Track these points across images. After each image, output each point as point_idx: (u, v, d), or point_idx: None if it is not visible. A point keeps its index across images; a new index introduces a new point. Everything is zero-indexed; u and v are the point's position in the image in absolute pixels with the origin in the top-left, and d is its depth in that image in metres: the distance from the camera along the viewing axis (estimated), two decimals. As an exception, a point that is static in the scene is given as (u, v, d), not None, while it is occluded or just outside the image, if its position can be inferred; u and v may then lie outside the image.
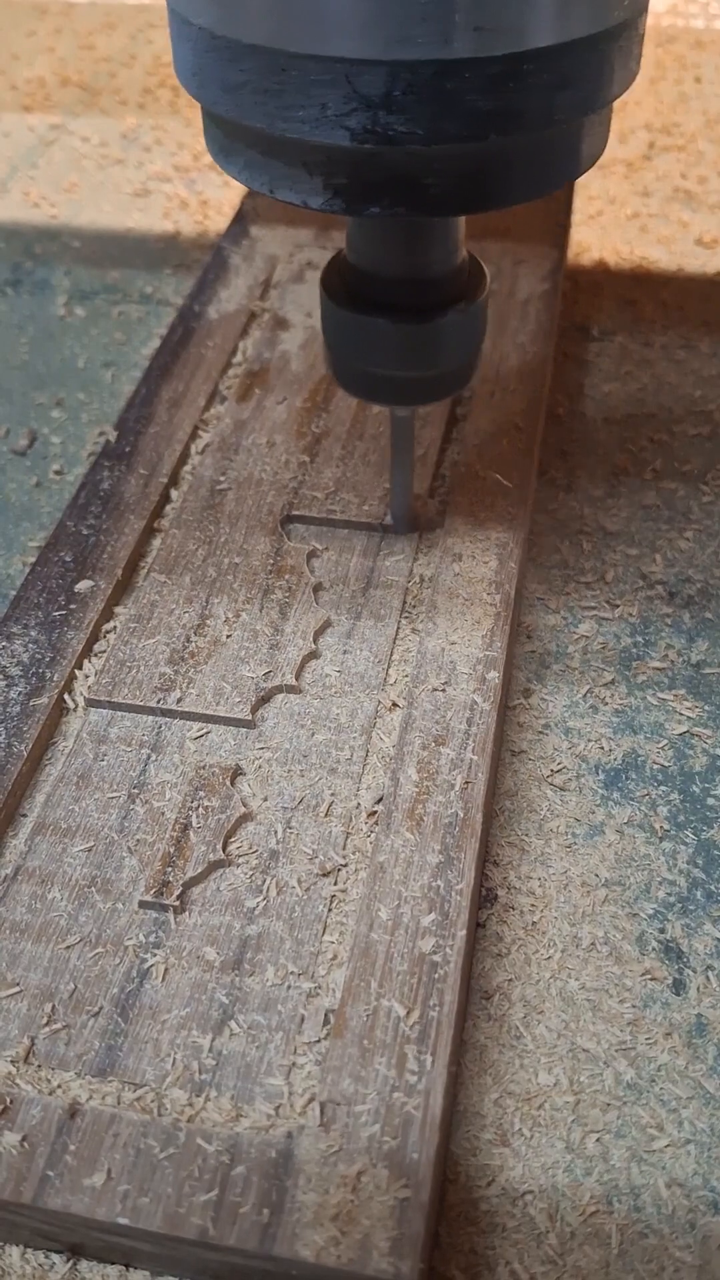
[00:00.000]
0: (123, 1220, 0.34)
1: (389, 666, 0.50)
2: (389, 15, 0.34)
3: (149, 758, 0.46)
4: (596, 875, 0.47)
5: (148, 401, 0.62)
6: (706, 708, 0.52)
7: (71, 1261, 0.37)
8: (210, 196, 0.87)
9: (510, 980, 0.44)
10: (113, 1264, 0.37)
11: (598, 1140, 0.40)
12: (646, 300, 0.76)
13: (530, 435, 0.60)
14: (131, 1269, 0.37)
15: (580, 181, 0.86)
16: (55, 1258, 0.37)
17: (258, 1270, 0.35)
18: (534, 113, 0.37)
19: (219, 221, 0.83)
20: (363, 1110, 0.36)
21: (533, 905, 0.46)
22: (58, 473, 0.66)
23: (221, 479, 0.58)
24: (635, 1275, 0.37)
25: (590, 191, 0.86)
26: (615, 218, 0.83)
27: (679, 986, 0.44)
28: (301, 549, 0.54)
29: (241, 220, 0.76)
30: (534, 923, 0.46)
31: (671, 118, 0.95)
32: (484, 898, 0.46)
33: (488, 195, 0.40)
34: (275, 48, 0.36)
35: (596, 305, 0.75)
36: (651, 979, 0.44)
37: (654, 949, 0.45)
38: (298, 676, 0.49)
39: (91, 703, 0.48)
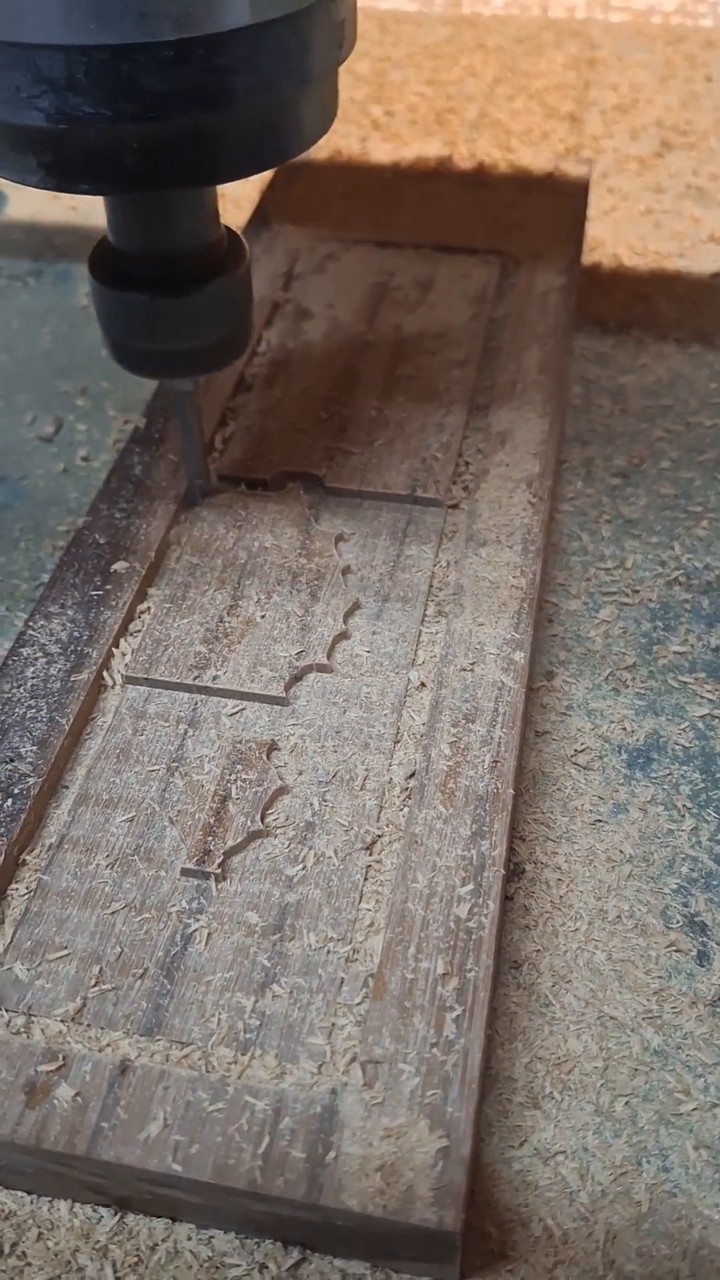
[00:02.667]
0: (175, 1168, 0.35)
1: (418, 647, 0.51)
2: (61, 3, 0.37)
3: (186, 733, 0.48)
4: (621, 851, 0.48)
5: (176, 388, 0.63)
6: (726, 690, 0.54)
7: (119, 1215, 0.38)
8: (229, 190, 0.88)
9: (539, 951, 0.45)
10: (159, 1218, 0.38)
11: (626, 1104, 0.41)
12: (660, 295, 0.77)
13: (551, 424, 0.61)
14: (177, 1222, 0.38)
15: (593, 178, 0.87)
16: (103, 1211, 0.38)
17: (302, 1221, 0.36)
18: (217, 94, 0.40)
19: (239, 215, 0.84)
20: (403, 1068, 0.37)
21: (559, 879, 0.47)
22: (84, 459, 0.67)
23: (250, 463, 0.59)
24: (665, 1231, 0.38)
25: (603, 187, 0.87)
26: (628, 213, 0.85)
27: (703, 958, 0.45)
28: (330, 533, 0.55)
29: (262, 213, 0.77)
30: (561, 896, 0.47)
31: (683, 115, 0.96)
32: (512, 872, 0.47)
33: (190, 171, 0.43)
34: None
35: (612, 299, 0.76)
36: (676, 951, 0.45)
37: (678, 922, 0.46)
38: (329, 656, 0.50)
39: (129, 680, 0.49)
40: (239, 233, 0.51)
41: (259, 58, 0.40)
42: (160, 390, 0.64)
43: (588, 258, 0.79)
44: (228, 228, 0.50)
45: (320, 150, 0.82)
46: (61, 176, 0.42)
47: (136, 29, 0.38)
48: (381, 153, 0.82)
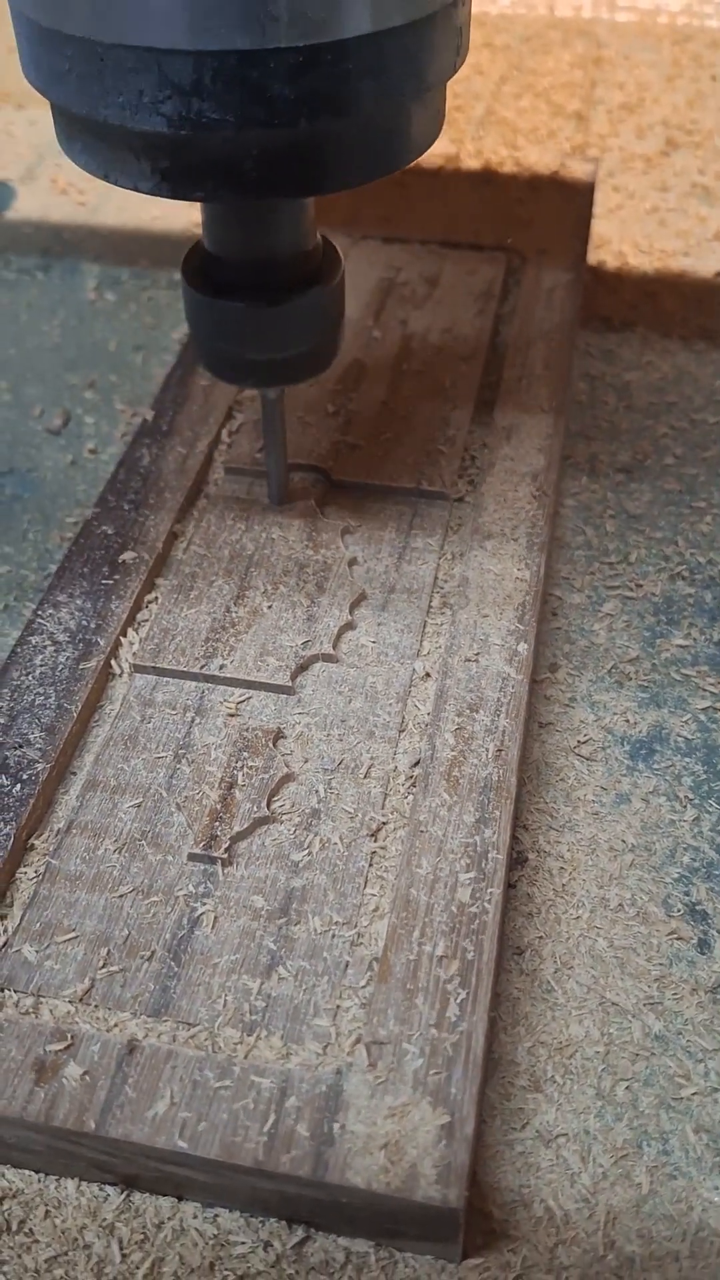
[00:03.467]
0: (182, 1145, 0.36)
1: (423, 638, 0.52)
2: (190, 6, 0.37)
3: (193, 721, 0.48)
4: (623, 841, 0.49)
5: (184, 381, 0.64)
6: (728, 683, 0.54)
7: (125, 1193, 0.39)
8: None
9: (541, 938, 0.46)
10: (165, 1196, 0.39)
11: (627, 1088, 0.42)
12: (666, 292, 0.77)
13: (556, 420, 0.62)
14: (183, 1201, 0.39)
15: (599, 176, 0.87)
16: (110, 1189, 0.39)
17: (307, 1199, 0.36)
18: (342, 101, 0.40)
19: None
20: (408, 1049, 0.38)
21: (562, 868, 0.48)
22: (92, 451, 0.67)
23: (258, 456, 0.59)
24: (665, 1213, 0.39)
25: (609, 186, 0.87)
26: (634, 211, 0.85)
27: (704, 946, 0.45)
28: (336, 525, 0.56)
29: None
30: (563, 884, 0.47)
31: (689, 115, 0.96)
32: (515, 860, 0.48)
33: (309, 179, 0.42)
34: (92, 38, 0.38)
35: (617, 296, 0.77)
36: (678, 939, 0.46)
37: (679, 911, 0.46)
38: (335, 646, 0.51)
39: (137, 668, 0.50)
40: (333, 242, 0.51)
41: (383, 64, 0.40)
42: (169, 383, 0.64)
43: (593, 255, 0.80)
44: (323, 235, 0.50)
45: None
46: (177, 183, 0.42)
47: (266, 34, 0.37)
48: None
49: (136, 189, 0.42)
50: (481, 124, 0.95)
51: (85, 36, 0.38)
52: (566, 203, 0.77)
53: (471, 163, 0.81)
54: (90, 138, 0.43)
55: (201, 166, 0.41)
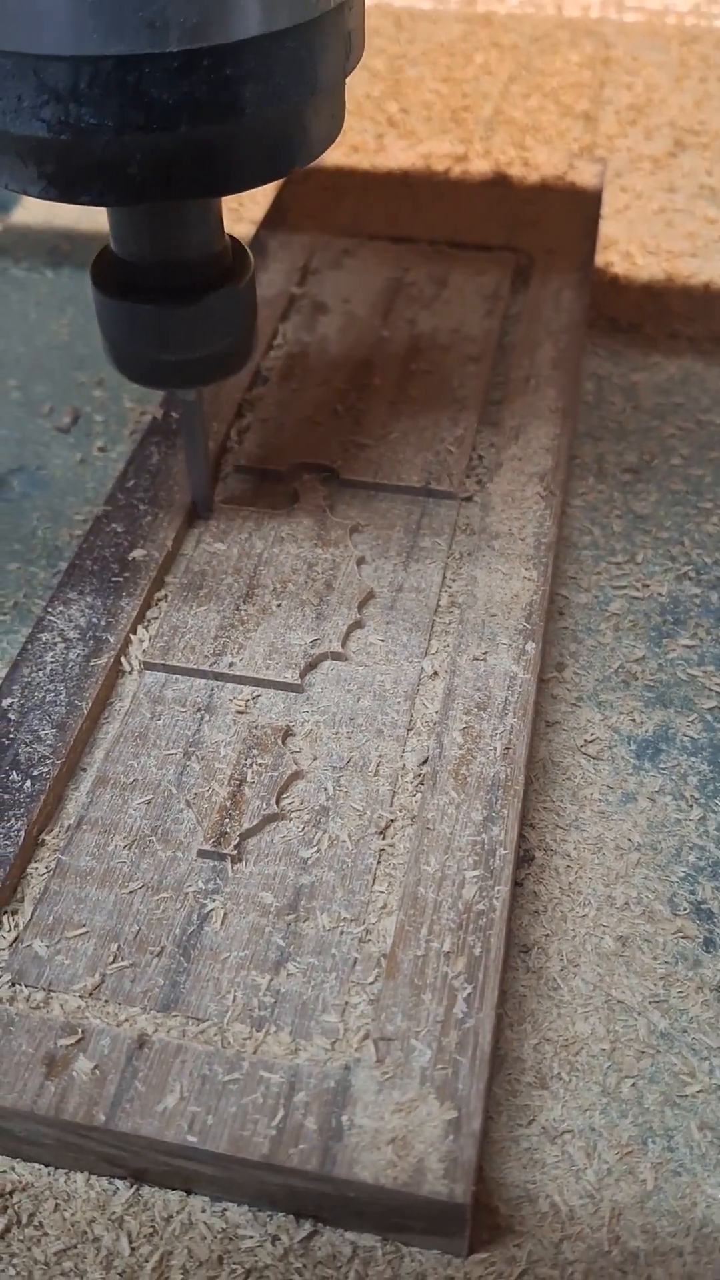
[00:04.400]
0: (191, 1139, 0.36)
1: (431, 636, 0.52)
2: (65, 12, 0.37)
3: (203, 718, 0.48)
4: (629, 840, 0.49)
5: (193, 380, 0.64)
6: (734, 683, 0.54)
7: (134, 1187, 0.39)
8: (245, 185, 0.89)
9: (547, 935, 0.46)
10: (174, 1190, 0.39)
11: (632, 1085, 0.42)
12: (673, 293, 0.77)
13: (564, 420, 0.62)
14: (192, 1195, 0.39)
15: (607, 177, 0.88)
16: (119, 1183, 0.39)
17: (315, 1193, 0.37)
18: (224, 105, 0.39)
19: (255, 210, 0.85)
20: (415, 1045, 0.38)
21: (568, 866, 0.48)
22: (101, 449, 0.67)
23: (266, 455, 0.60)
24: (670, 1209, 0.39)
25: (617, 186, 0.88)
26: (642, 212, 0.85)
27: (709, 945, 0.46)
28: (344, 524, 0.56)
29: (279, 207, 0.78)
30: (570, 882, 0.48)
31: (696, 116, 0.97)
32: (522, 858, 0.48)
33: (196, 183, 0.42)
34: None
35: (624, 297, 0.77)
36: (683, 937, 0.46)
37: (685, 909, 0.47)
38: (344, 644, 0.51)
39: (147, 666, 0.50)
40: (242, 242, 0.51)
41: (267, 68, 0.40)
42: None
43: (601, 256, 0.80)
44: (232, 237, 0.50)
45: (336, 146, 0.83)
46: (64, 187, 0.42)
47: (143, 39, 0.37)
48: (397, 149, 0.83)
49: (25, 192, 0.42)
50: (490, 124, 0.95)
51: None
52: (575, 203, 0.77)
53: (480, 163, 0.81)
54: None
55: (86, 171, 0.41)
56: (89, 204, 0.42)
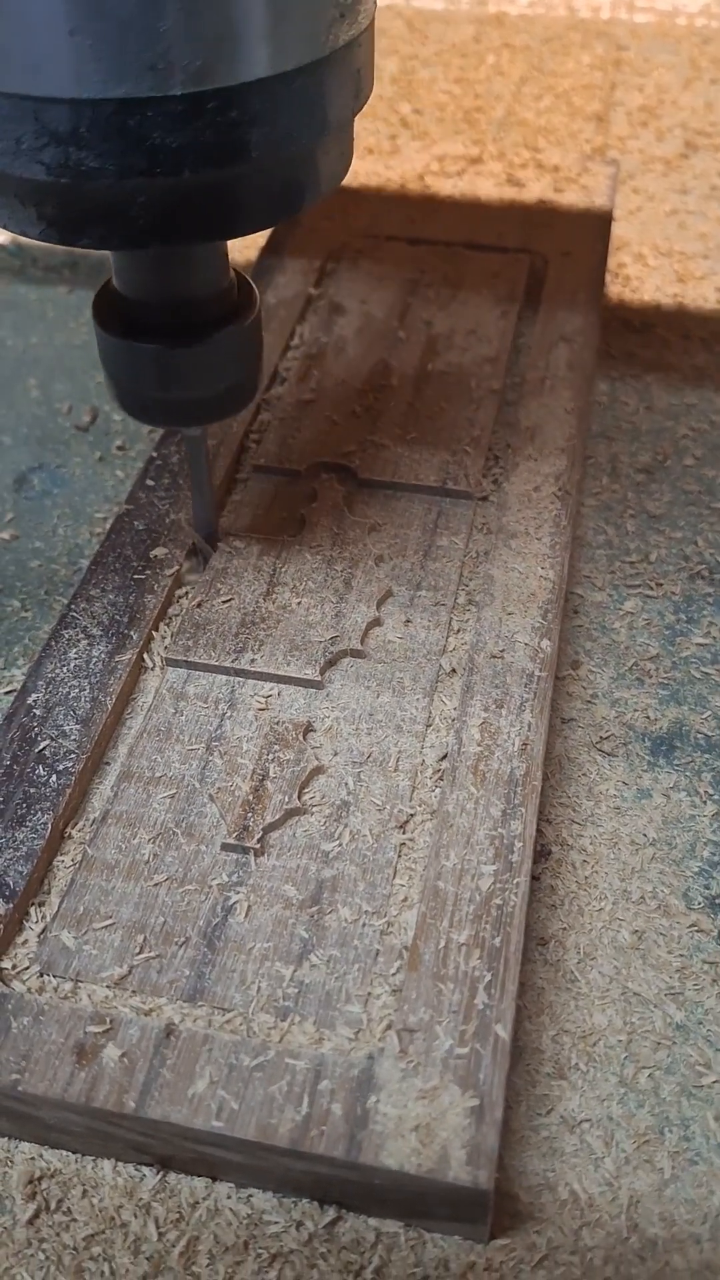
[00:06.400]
0: (217, 1124, 0.37)
1: (449, 634, 0.52)
2: (66, 54, 0.35)
3: (225, 714, 0.49)
4: (644, 835, 0.50)
5: (212, 380, 0.65)
6: (748, 681, 0.55)
7: (161, 1174, 0.40)
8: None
9: (565, 929, 0.47)
10: (199, 1177, 0.40)
11: (649, 1076, 0.43)
12: (686, 294, 0.78)
13: (579, 421, 0.62)
14: (217, 1182, 0.40)
15: (619, 178, 0.88)
16: (145, 1170, 0.40)
17: (340, 1180, 0.37)
18: (230, 149, 0.38)
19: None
20: (438, 1035, 0.39)
21: (584, 861, 0.49)
22: (120, 448, 0.68)
23: (284, 455, 0.60)
24: (687, 1197, 0.40)
25: (629, 188, 0.88)
26: (654, 214, 0.86)
27: (723, 938, 0.46)
28: (362, 523, 0.57)
29: (295, 209, 0.78)
30: (586, 877, 0.48)
31: (708, 118, 0.97)
32: (539, 853, 0.49)
33: (201, 227, 0.41)
34: None
35: (637, 298, 0.78)
36: (698, 931, 0.47)
37: (700, 904, 0.47)
38: (363, 641, 0.52)
39: (170, 662, 0.51)
40: (248, 277, 0.49)
41: (275, 110, 0.39)
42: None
43: (613, 258, 0.81)
44: (237, 272, 0.49)
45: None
46: (64, 230, 0.40)
47: (146, 82, 0.36)
48: (411, 150, 0.84)
49: (25, 234, 0.41)
50: (502, 125, 0.96)
51: None
52: (588, 205, 0.78)
53: (494, 164, 0.82)
54: None
55: (86, 214, 0.40)
56: (90, 248, 0.41)
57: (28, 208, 0.40)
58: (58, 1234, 0.39)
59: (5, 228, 0.42)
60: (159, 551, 0.55)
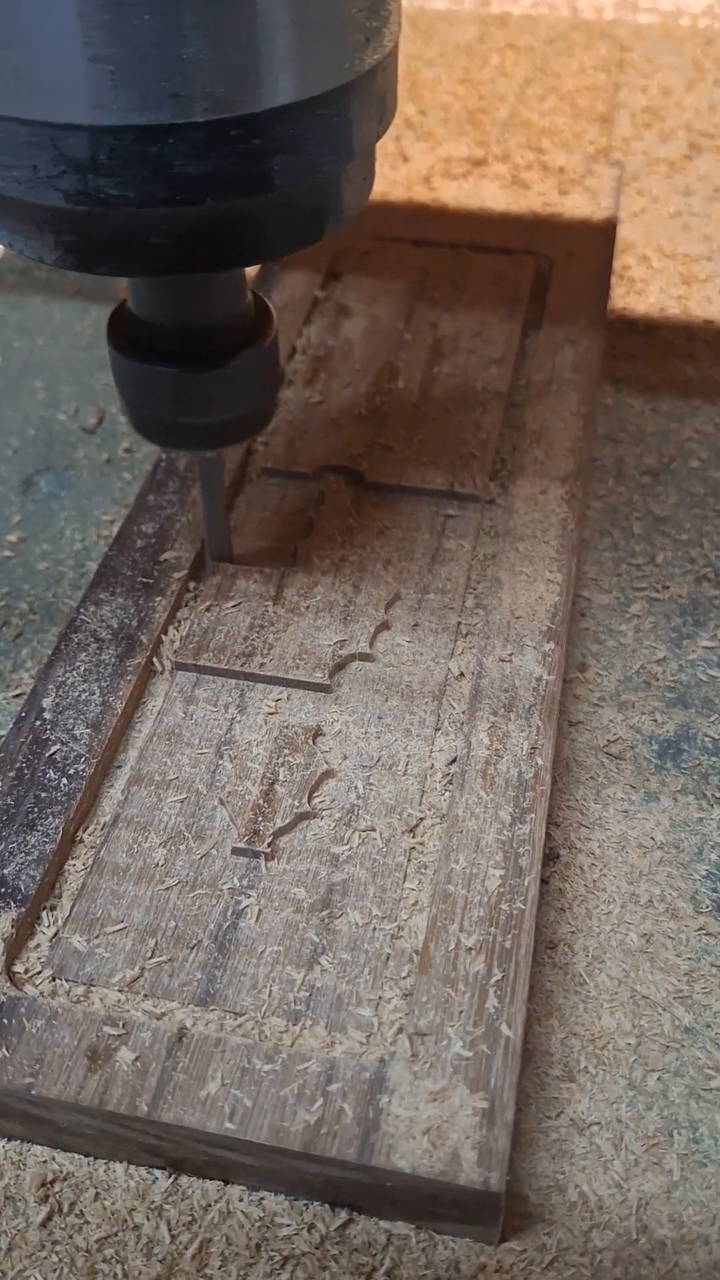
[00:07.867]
0: (230, 1127, 0.37)
1: (457, 638, 0.53)
2: (84, 81, 0.35)
3: (234, 718, 0.49)
4: (652, 838, 0.50)
5: (219, 383, 0.65)
6: (755, 684, 0.55)
7: (173, 1177, 0.40)
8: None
9: (573, 932, 0.47)
10: (212, 1180, 0.40)
11: (658, 1079, 0.43)
12: (690, 296, 0.78)
13: (585, 424, 0.63)
14: (229, 1184, 0.40)
15: (623, 179, 0.88)
16: (157, 1173, 0.40)
17: (352, 1182, 0.38)
18: (253, 177, 0.38)
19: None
20: (449, 1038, 0.39)
21: (592, 864, 0.49)
22: (127, 450, 0.68)
23: (292, 458, 0.61)
24: (696, 1199, 0.40)
25: (633, 190, 0.88)
26: (658, 215, 0.86)
27: (731, 941, 0.47)
28: (371, 525, 0.57)
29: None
30: (594, 880, 0.48)
31: (712, 119, 0.97)
32: (547, 856, 0.49)
33: (222, 256, 0.40)
34: None
35: (641, 301, 0.78)
36: (706, 934, 0.47)
37: (708, 907, 0.48)
38: (371, 645, 0.52)
39: (179, 666, 0.51)
40: (265, 299, 0.49)
41: (298, 138, 0.38)
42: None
43: (617, 259, 0.81)
44: (254, 292, 0.48)
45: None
46: (83, 257, 0.40)
47: (166, 109, 0.35)
48: (416, 151, 0.84)
49: (41, 261, 0.41)
50: (506, 126, 0.96)
51: None
52: (593, 207, 0.78)
53: (498, 166, 0.82)
54: None
55: (105, 242, 0.39)
56: (108, 274, 0.40)
57: (45, 234, 0.40)
58: (70, 1236, 0.39)
59: (22, 253, 0.41)
60: (168, 555, 0.55)
